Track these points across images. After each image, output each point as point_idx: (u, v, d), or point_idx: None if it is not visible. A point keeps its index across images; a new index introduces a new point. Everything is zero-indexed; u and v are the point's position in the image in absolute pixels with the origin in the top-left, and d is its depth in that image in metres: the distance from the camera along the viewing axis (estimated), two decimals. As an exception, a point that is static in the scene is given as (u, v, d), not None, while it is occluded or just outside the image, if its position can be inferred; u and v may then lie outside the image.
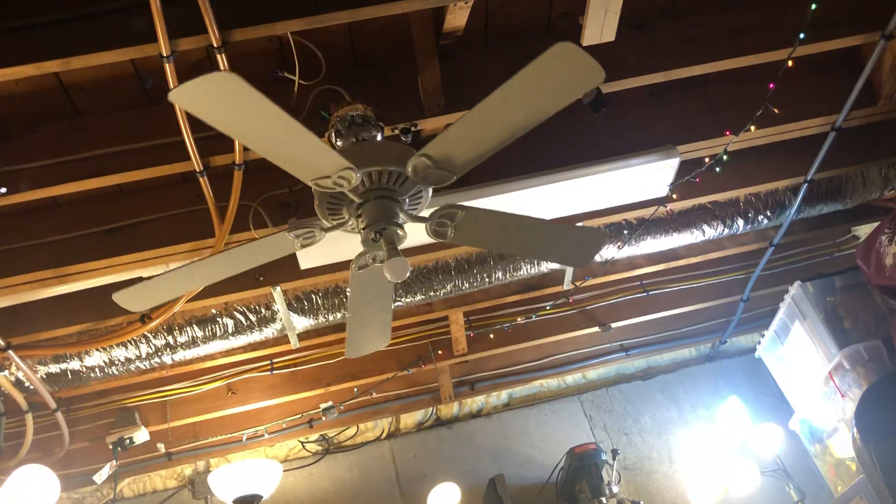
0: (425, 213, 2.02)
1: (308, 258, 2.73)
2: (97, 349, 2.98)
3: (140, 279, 2.78)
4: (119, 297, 2.05)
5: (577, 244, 2.23)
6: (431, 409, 4.34)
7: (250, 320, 3.06)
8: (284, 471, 3.88)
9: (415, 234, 2.08)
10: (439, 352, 3.82)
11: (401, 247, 1.87)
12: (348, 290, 3.08)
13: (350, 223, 1.97)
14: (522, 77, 1.49)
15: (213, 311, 3.04)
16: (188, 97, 1.48)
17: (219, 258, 2.04)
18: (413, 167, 1.78)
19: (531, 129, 1.63)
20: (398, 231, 1.88)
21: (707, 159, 2.82)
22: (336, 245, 2.20)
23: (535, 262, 3.18)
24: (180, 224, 2.65)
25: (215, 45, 1.97)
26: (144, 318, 2.82)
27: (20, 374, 3.00)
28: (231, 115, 1.56)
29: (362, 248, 1.97)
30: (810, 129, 2.92)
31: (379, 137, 2.15)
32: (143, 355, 3.04)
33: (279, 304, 3.00)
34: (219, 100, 1.51)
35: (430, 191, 1.96)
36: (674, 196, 2.99)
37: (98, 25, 1.97)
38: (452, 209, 1.96)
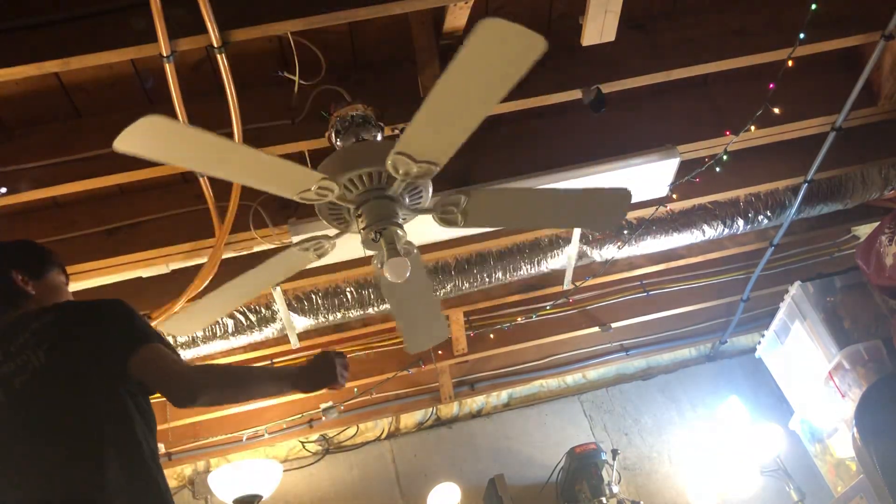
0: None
1: (308, 258, 2.73)
2: (97, 349, 2.97)
3: (140, 278, 2.80)
4: (167, 326, 2.28)
5: (601, 208, 2.12)
6: (431, 409, 4.34)
7: (250, 320, 3.05)
8: (284, 471, 3.88)
9: (417, 234, 2.08)
10: (439, 352, 3.82)
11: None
12: (349, 290, 3.09)
13: (353, 226, 1.97)
14: (460, 61, 1.46)
15: (213, 310, 3.04)
16: (132, 144, 1.51)
17: (241, 280, 2.07)
18: (392, 164, 1.77)
19: (492, 108, 1.62)
20: (398, 231, 1.88)
21: (707, 159, 2.82)
22: (336, 245, 2.20)
23: (535, 262, 3.18)
24: (180, 224, 2.65)
25: (215, 45, 1.97)
26: (144, 317, 2.82)
27: (20, 374, 3.00)
28: (183, 152, 1.60)
29: (363, 248, 1.97)
30: (810, 129, 2.92)
31: (379, 137, 2.15)
32: (143, 355, 3.03)
33: (279, 304, 3.00)
34: (163, 141, 1.54)
35: (430, 183, 1.95)
36: (674, 196, 2.99)
37: (98, 25, 1.97)
38: (454, 195, 1.94)
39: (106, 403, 1.55)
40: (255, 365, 1.91)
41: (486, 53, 1.45)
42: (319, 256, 2.06)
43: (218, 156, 1.65)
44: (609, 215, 2.16)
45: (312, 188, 1.80)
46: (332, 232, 2.04)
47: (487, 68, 1.49)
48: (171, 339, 3.02)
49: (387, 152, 1.78)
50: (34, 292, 1.79)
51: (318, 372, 1.78)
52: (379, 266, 2.01)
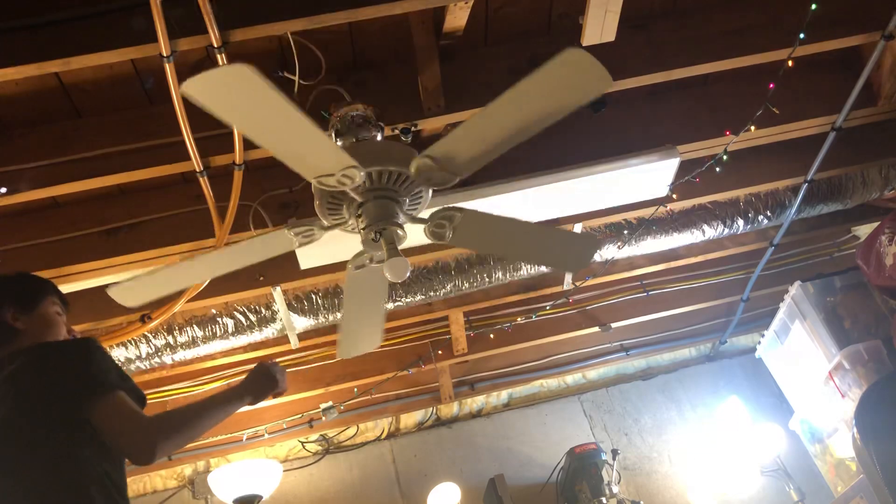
0: (424, 214, 2.01)
1: (308, 258, 2.73)
2: (97, 349, 2.97)
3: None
4: (114, 292, 2.04)
5: (573, 249, 2.24)
6: (431, 409, 4.34)
7: (250, 320, 3.05)
8: (284, 471, 3.88)
9: (415, 233, 2.08)
10: (439, 352, 3.82)
11: (401, 247, 1.87)
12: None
13: (350, 223, 1.97)
14: (530, 82, 1.47)
15: (214, 311, 3.04)
16: (201, 89, 1.45)
17: (217, 255, 2.04)
18: (416, 168, 1.78)
19: (533, 134, 1.62)
20: (398, 231, 1.88)
21: (707, 159, 2.82)
22: (336, 245, 2.19)
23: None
24: (180, 224, 2.65)
25: (215, 45, 1.97)
26: (144, 317, 2.82)
27: (20, 374, 3.00)
28: (240, 108, 1.53)
29: (362, 248, 1.97)
30: (810, 129, 2.92)
31: (379, 137, 2.15)
32: (143, 355, 3.04)
33: (279, 304, 3.00)
34: (230, 92, 1.48)
35: (430, 192, 1.96)
36: (674, 196, 2.99)
37: (98, 25, 1.97)
38: (452, 211, 1.96)
39: (57, 451, 1.56)
40: (203, 396, 1.92)
41: (557, 79, 1.46)
42: (301, 244, 2.02)
43: (265, 113, 1.56)
44: (578, 257, 2.29)
45: (336, 174, 1.74)
46: (333, 234, 2.03)
47: (552, 94, 1.49)
48: (172, 340, 3.03)
49: (409, 153, 1.78)
50: (24, 328, 1.80)
51: (260, 382, 1.86)
52: (353, 268, 2.04)
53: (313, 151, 1.68)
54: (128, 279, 2.05)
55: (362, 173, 1.76)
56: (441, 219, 1.97)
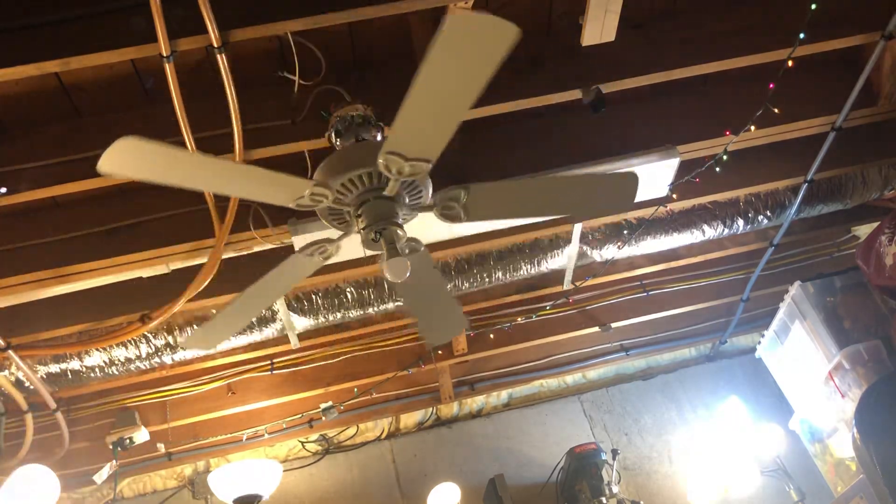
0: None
1: (308, 258, 2.73)
2: (97, 349, 2.98)
3: (140, 278, 2.80)
4: (189, 343, 2.33)
5: (609, 194, 2.12)
6: (431, 409, 4.34)
7: (250, 320, 3.05)
8: (284, 471, 3.88)
9: (416, 234, 2.08)
10: (439, 352, 3.82)
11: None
12: (349, 290, 3.10)
13: (354, 227, 1.97)
14: (433, 57, 1.44)
15: (213, 311, 3.03)
16: (114, 166, 1.50)
17: (258, 287, 2.09)
18: (384, 164, 1.76)
19: (475, 99, 1.61)
20: (398, 231, 1.88)
21: (707, 159, 2.82)
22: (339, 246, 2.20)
23: (535, 262, 3.18)
24: (180, 224, 2.65)
25: (215, 45, 1.97)
26: (144, 317, 2.82)
27: (20, 374, 3.00)
28: (169, 170, 1.59)
29: (363, 248, 1.97)
30: (810, 129, 2.92)
31: (379, 137, 2.15)
32: (143, 355, 3.04)
33: (279, 304, 3.00)
34: (147, 161, 1.53)
35: (428, 180, 1.94)
36: (674, 196, 2.99)
37: (98, 25, 1.97)
38: (454, 190, 1.94)
39: None
40: None
41: (459, 47, 1.44)
42: (326, 259, 2.07)
43: (206, 172, 1.64)
44: (618, 200, 2.18)
45: (306, 195, 1.81)
46: (334, 234, 2.04)
47: (462, 61, 1.48)
48: (172, 340, 3.03)
49: (371, 153, 1.78)
50: None
51: None
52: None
53: (264, 185, 1.71)
54: (197, 329, 2.14)
55: (331, 188, 1.77)
56: (447, 200, 1.96)
